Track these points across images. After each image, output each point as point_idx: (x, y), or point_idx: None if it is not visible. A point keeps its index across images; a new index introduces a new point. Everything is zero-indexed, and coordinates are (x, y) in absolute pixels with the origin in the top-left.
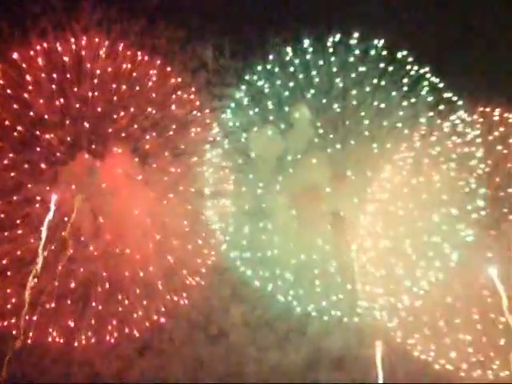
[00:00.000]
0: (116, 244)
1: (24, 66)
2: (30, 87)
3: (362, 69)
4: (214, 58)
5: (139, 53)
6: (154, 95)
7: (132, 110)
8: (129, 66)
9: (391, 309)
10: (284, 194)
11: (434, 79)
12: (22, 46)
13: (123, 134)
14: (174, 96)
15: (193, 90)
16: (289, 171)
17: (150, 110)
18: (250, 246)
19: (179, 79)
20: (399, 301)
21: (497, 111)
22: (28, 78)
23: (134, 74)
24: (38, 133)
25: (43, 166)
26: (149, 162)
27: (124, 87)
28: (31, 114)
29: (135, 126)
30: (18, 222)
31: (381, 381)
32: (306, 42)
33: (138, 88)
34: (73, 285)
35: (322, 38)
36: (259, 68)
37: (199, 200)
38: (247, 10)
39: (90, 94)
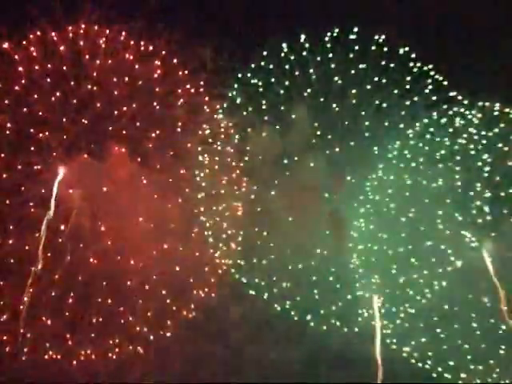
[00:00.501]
0: (117, 251)
1: (16, 57)
2: (23, 81)
3: (361, 66)
4: (212, 58)
5: (142, 43)
6: (157, 89)
7: (134, 106)
8: (131, 57)
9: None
10: (280, 197)
11: (438, 77)
12: (13, 35)
13: (124, 132)
14: (179, 90)
15: (201, 83)
16: (285, 173)
17: (154, 105)
18: (245, 252)
19: (186, 72)
20: (400, 309)
21: (497, 106)
22: (20, 69)
23: (137, 66)
24: (32, 131)
25: (39, 167)
26: (152, 163)
27: (126, 79)
28: (25, 110)
29: (138, 124)
30: (11, 227)
31: (380, 381)
32: (303, 38)
33: (140, 82)
34: (71, 295)
35: (320, 33)
36: (255, 66)
37: (207, 203)
38: (244, 7)
39: (88, 87)
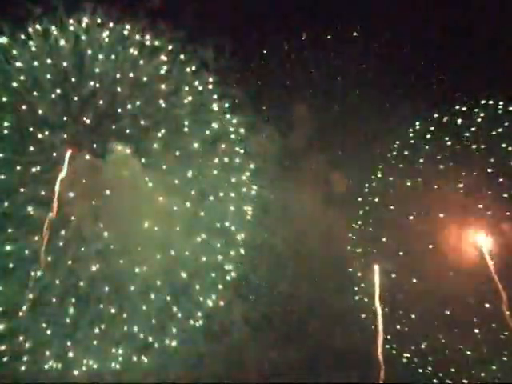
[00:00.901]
0: (120, 255)
1: (14, 52)
2: (22, 77)
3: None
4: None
5: (148, 37)
6: (163, 86)
7: (138, 103)
8: (135, 52)
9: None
10: (285, 198)
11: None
12: (12, 29)
13: (128, 131)
14: (186, 88)
15: (210, 80)
16: (287, 173)
17: (159, 102)
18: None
19: (193, 67)
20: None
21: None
22: (19, 65)
23: (141, 62)
24: (31, 129)
25: (40, 167)
26: (157, 163)
27: (131, 75)
28: (23, 107)
29: (142, 123)
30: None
31: (381, 381)
32: (305, 38)
33: (145, 78)
34: (73, 300)
35: (321, 33)
36: (255, 66)
37: (216, 207)
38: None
39: (91, 84)
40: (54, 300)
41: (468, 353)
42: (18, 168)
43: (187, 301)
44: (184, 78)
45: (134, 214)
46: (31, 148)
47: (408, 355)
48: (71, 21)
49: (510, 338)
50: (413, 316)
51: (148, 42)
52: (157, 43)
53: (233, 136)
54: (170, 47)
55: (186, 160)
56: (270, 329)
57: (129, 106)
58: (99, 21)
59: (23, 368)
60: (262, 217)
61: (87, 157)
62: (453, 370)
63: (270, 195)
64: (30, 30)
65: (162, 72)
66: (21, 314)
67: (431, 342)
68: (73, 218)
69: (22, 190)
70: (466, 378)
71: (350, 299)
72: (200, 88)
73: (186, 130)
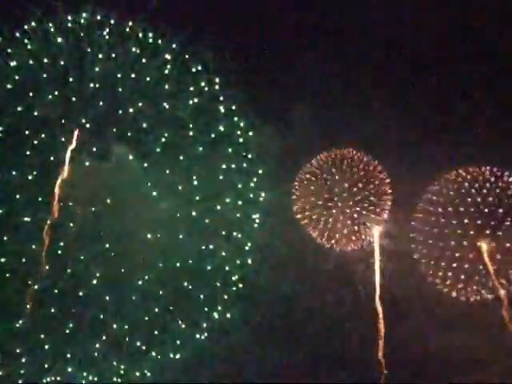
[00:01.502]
0: (121, 263)
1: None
2: (17, 77)
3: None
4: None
5: (151, 34)
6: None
7: (140, 104)
8: (138, 51)
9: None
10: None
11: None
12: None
13: (129, 134)
14: (191, 88)
15: (217, 80)
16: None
17: (162, 104)
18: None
19: (199, 67)
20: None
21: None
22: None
23: (144, 61)
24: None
25: (37, 171)
26: (159, 167)
27: (132, 75)
28: (19, 109)
29: (144, 125)
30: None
31: (381, 381)
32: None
33: (148, 79)
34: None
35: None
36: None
37: (222, 211)
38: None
39: (90, 85)
40: (52, 310)
41: (468, 353)
42: (17, 171)
43: (191, 312)
44: (188, 78)
45: (136, 220)
46: (29, 151)
47: (408, 356)
48: (69, 17)
49: (510, 340)
50: (413, 317)
51: (151, 40)
52: (159, 42)
53: (240, 139)
54: (173, 46)
55: (190, 164)
56: (270, 329)
57: (130, 108)
58: (99, 18)
59: (20, 382)
60: (269, 223)
61: (88, 160)
62: (453, 370)
63: (278, 201)
64: (26, 27)
65: (166, 72)
66: (17, 325)
67: (432, 343)
68: (72, 224)
69: (21, 193)
70: (466, 379)
71: (351, 300)
72: (205, 89)
73: (190, 132)
